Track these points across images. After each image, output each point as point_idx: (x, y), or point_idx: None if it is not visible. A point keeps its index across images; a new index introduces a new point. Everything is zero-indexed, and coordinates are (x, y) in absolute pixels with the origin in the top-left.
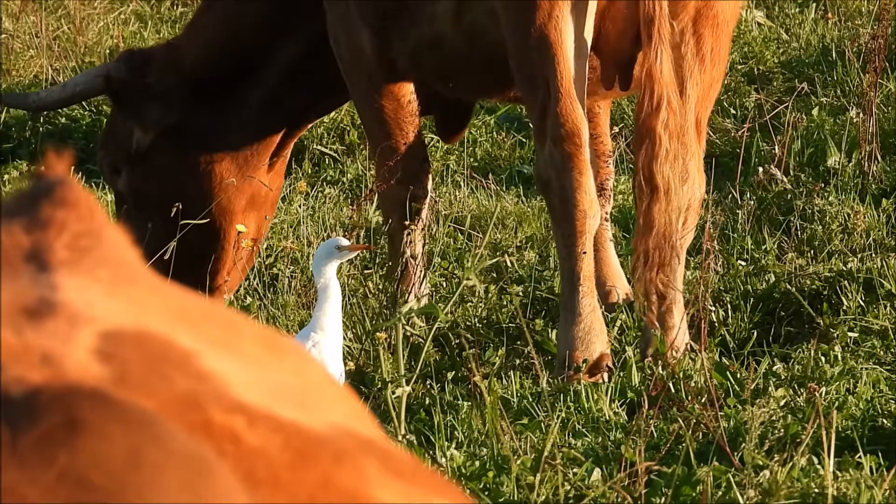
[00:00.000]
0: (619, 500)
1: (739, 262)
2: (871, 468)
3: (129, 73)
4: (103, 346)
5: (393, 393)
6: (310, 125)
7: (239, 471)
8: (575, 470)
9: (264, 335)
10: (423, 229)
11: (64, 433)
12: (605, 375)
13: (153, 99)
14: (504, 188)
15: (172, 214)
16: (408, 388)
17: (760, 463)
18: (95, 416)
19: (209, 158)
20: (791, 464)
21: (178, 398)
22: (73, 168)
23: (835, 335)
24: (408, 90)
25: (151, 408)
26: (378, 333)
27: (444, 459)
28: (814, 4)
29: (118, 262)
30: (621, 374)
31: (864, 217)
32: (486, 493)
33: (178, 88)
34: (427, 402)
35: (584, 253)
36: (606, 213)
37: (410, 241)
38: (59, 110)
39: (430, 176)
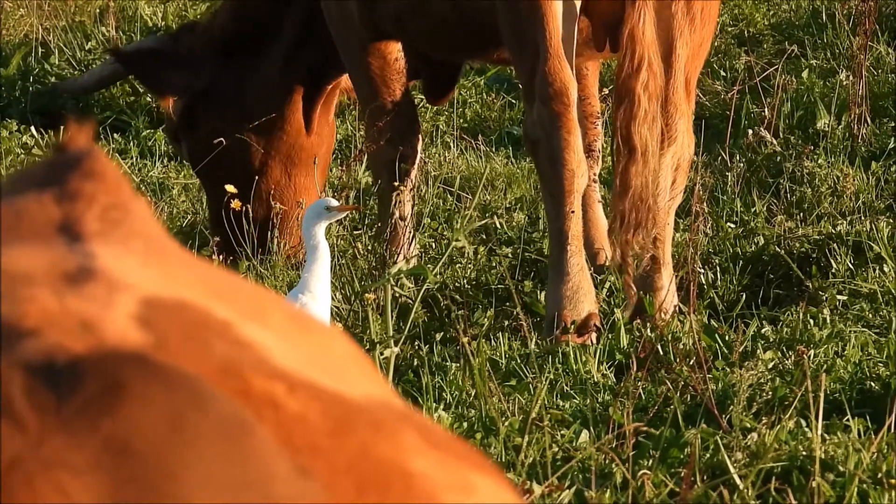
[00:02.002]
0: (607, 461)
1: (728, 224)
2: (858, 431)
3: (158, 43)
4: (143, 312)
5: (381, 354)
6: (332, 84)
7: (278, 437)
8: (563, 431)
9: (292, 311)
10: (411, 190)
11: (107, 399)
12: (594, 336)
13: (181, 66)
14: (493, 149)
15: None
16: (396, 350)
17: (748, 425)
18: (137, 381)
19: (238, 122)
20: (779, 426)
21: (218, 365)
22: (90, 130)
23: (823, 298)
24: (395, 48)
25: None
26: (367, 294)
27: (432, 421)
28: None
29: (147, 235)
30: (610, 335)
31: (854, 180)
32: None
33: (205, 54)
34: (415, 363)
35: (573, 212)
36: (595, 175)
37: (399, 202)
38: (49, 70)
39: (420, 137)
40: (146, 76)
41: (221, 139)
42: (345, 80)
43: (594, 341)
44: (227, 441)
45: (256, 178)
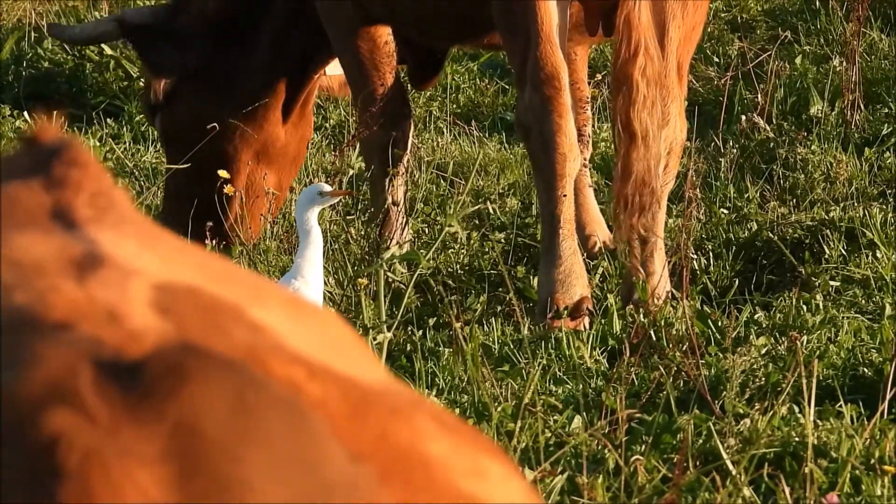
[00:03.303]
0: (600, 447)
1: (722, 210)
2: (851, 417)
3: (150, 17)
4: (159, 298)
5: (374, 339)
6: (318, 73)
7: (305, 402)
8: (555, 417)
9: (286, 295)
10: (403, 175)
11: (169, 384)
12: (586, 321)
13: (175, 44)
14: (486, 135)
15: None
16: (389, 335)
17: (741, 411)
18: (196, 366)
19: (221, 105)
20: (772, 412)
21: (239, 350)
22: (61, 121)
23: (816, 284)
24: (384, 32)
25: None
26: (360, 279)
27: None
28: None
29: (136, 220)
30: (602, 321)
31: (847, 166)
32: None
33: (201, 34)
34: (408, 348)
35: (565, 196)
36: (586, 159)
37: (392, 187)
38: (42, 55)
39: (411, 120)
40: (146, 54)
41: (215, 125)
42: (324, 80)
43: (587, 326)
44: (287, 421)
45: (228, 162)
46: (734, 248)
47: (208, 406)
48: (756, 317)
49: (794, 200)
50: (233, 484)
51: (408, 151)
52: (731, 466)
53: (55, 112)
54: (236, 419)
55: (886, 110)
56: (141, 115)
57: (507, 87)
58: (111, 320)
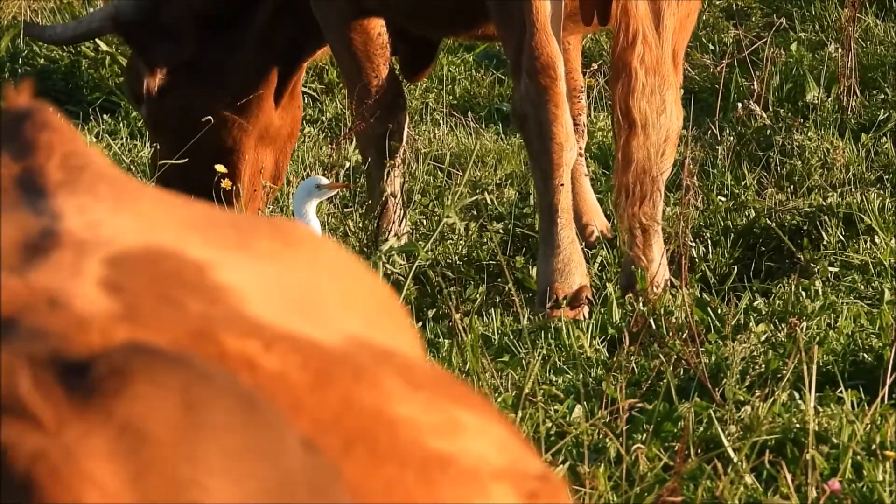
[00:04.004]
0: (601, 436)
1: (719, 197)
2: (852, 403)
3: (139, 11)
4: (111, 274)
5: None
6: (307, 62)
7: (256, 391)
8: (556, 407)
9: (276, 228)
10: (399, 166)
11: (115, 382)
12: (586, 310)
13: (164, 37)
14: (483, 126)
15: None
16: None
17: (741, 398)
18: (140, 363)
19: (215, 96)
20: (772, 399)
21: (191, 328)
22: (35, 97)
23: (815, 270)
24: (377, 24)
25: (165, 343)
26: None
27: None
28: None
29: (115, 178)
30: (602, 310)
31: (844, 152)
32: None
33: (188, 26)
34: None
35: (562, 185)
36: (581, 149)
37: (388, 179)
38: (38, 52)
39: (406, 111)
40: (141, 50)
41: (210, 117)
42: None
43: (586, 316)
44: (237, 414)
45: (223, 152)
46: (732, 235)
47: (156, 405)
48: (755, 304)
49: (792, 187)
50: (186, 484)
51: (404, 143)
52: (732, 454)
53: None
54: (185, 417)
55: (882, 96)
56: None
57: (503, 77)
58: (54, 309)
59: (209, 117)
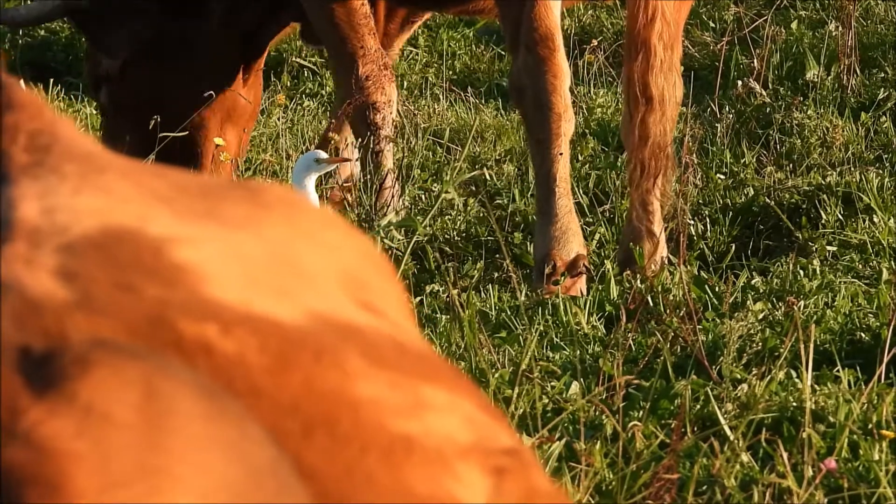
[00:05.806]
0: (597, 413)
1: (718, 175)
2: (848, 382)
3: None
4: (66, 262)
5: None
6: (273, 39)
7: (216, 384)
8: (553, 383)
9: (247, 192)
10: (388, 138)
11: (77, 369)
12: (584, 285)
13: (123, 19)
14: (483, 101)
15: (150, 128)
16: None
17: (738, 376)
18: (102, 354)
19: (183, 73)
20: (769, 377)
21: (147, 314)
22: (2, 72)
23: (813, 249)
24: None
25: (120, 331)
26: None
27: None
28: None
29: (82, 154)
30: (600, 287)
31: (843, 130)
32: None
33: (151, 5)
34: None
35: (560, 154)
36: None
37: (382, 152)
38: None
39: (394, 82)
40: (96, 40)
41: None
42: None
43: (584, 291)
44: (200, 405)
45: (196, 128)
46: (731, 213)
47: (119, 391)
48: (753, 282)
49: (791, 165)
50: (153, 470)
51: (394, 114)
52: (728, 432)
53: (51, 80)
54: (149, 405)
55: (882, 75)
56: None
57: (502, 53)
58: (7, 300)
59: (211, 92)
